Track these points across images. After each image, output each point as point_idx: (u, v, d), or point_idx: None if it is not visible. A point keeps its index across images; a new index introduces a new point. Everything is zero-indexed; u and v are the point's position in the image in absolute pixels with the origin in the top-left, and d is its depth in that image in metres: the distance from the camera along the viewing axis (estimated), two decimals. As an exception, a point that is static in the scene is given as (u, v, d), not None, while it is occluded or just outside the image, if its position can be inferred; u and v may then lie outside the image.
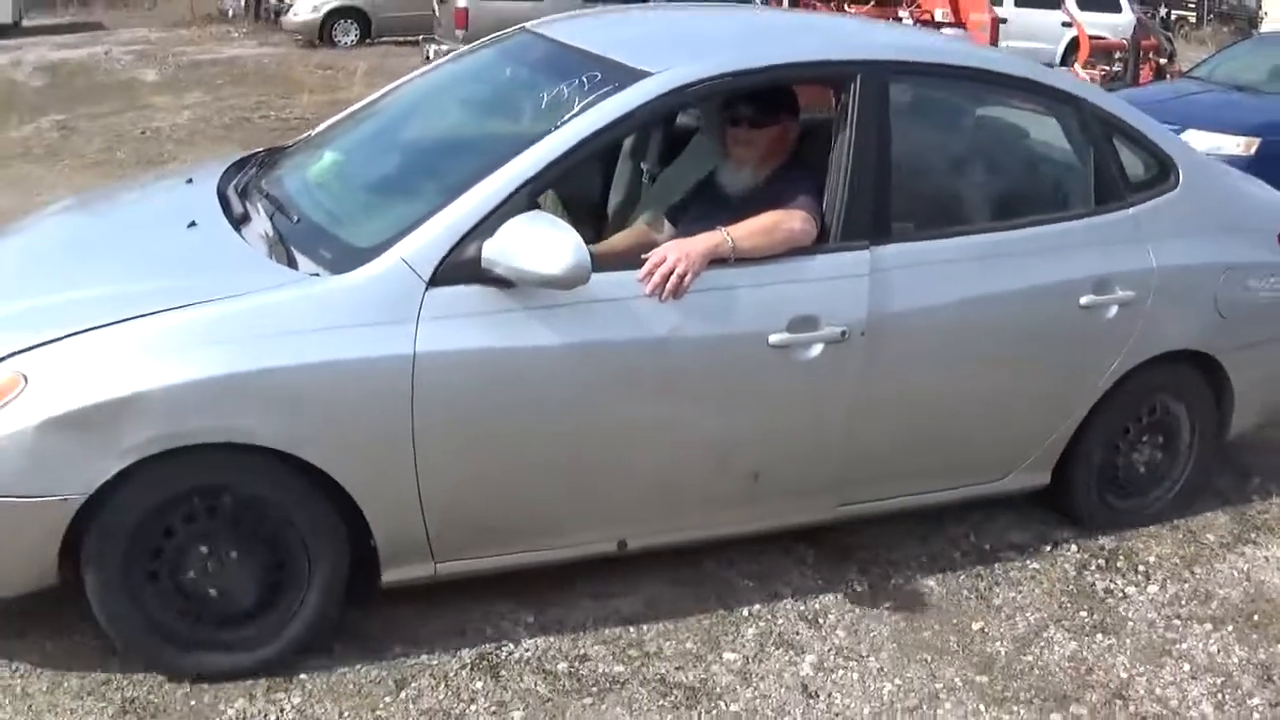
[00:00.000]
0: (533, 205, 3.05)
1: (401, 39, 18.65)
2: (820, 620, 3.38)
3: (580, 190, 3.95)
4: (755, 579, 3.54)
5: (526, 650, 3.15)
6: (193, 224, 3.24)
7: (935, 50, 3.90)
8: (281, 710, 2.89)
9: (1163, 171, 3.83)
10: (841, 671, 3.17)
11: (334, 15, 19.48)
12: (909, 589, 3.55)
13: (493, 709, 2.94)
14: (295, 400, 2.79)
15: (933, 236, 3.47)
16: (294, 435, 2.80)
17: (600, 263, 2.97)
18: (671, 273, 3.01)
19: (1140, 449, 3.98)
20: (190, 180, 3.77)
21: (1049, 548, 3.83)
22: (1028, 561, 3.75)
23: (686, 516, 3.35)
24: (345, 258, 2.95)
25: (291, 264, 2.99)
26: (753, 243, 3.15)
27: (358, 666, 3.04)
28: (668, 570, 3.48)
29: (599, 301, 2.99)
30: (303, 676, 2.99)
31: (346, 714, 2.89)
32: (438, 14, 14.52)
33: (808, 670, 3.17)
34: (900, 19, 10.82)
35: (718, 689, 3.07)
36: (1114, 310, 3.63)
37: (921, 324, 3.35)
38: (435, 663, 3.08)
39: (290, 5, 20.29)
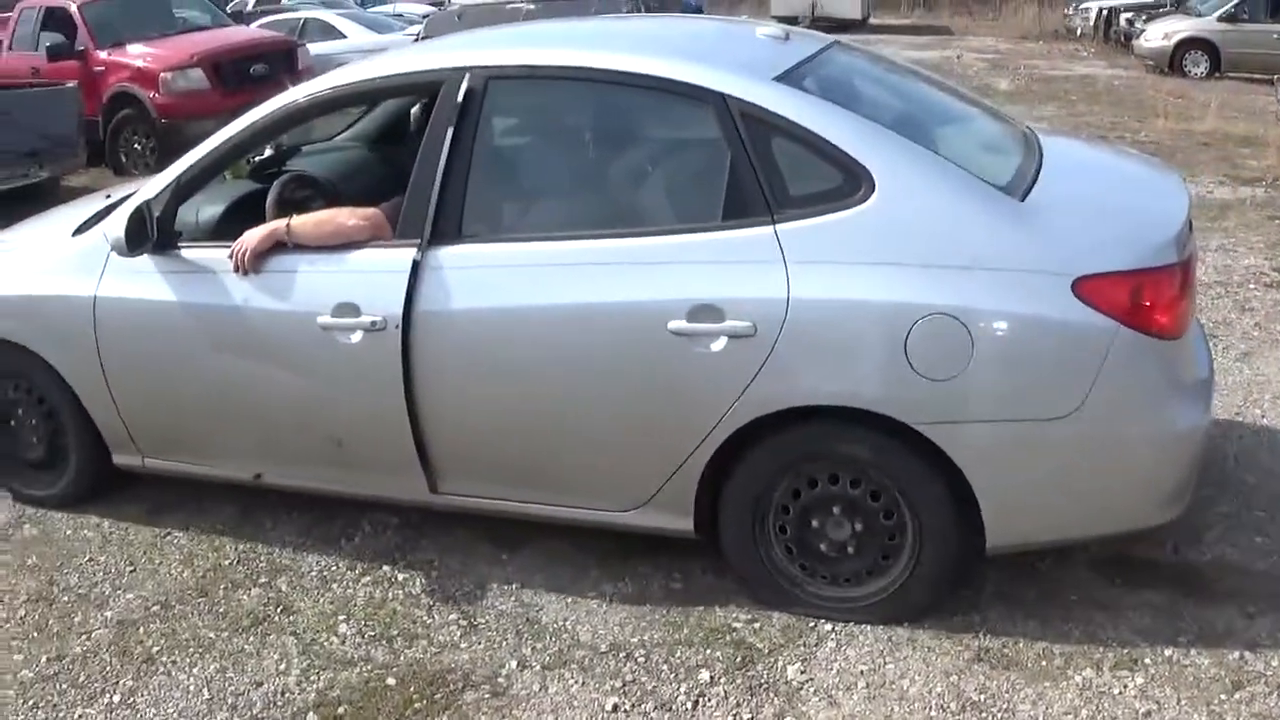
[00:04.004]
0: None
1: (1252, 76, 17.15)
2: None
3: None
4: None
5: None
6: (108, 196, 4.57)
7: (538, 53, 3.61)
8: (1125, 687, 3.11)
9: (849, 185, 3.14)
10: None
11: (1185, 45, 18.52)
12: None
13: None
14: (36, 316, 4.03)
15: (504, 241, 3.46)
16: (41, 342, 4.04)
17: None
18: (241, 250, 3.65)
19: (830, 528, 3.32)
20: None
21: None
22: None
23: (296, 466, 3.84)
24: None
25: (83, 230, 4.13)
26: (305, 231, 3.61)
27: (1199, 662, 3.20)
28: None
29: (211, 272, 3.73)
30: (1147, 662, 3.21)
31: (1184, 702, 3.05)
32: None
33: None
34: None
35: None
36: (721, 343, 3.15)
37: (468, 326, 3.39)
38: (1270, 674, 3.14)
39: (1143, 30, 19.72)
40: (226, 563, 3.92)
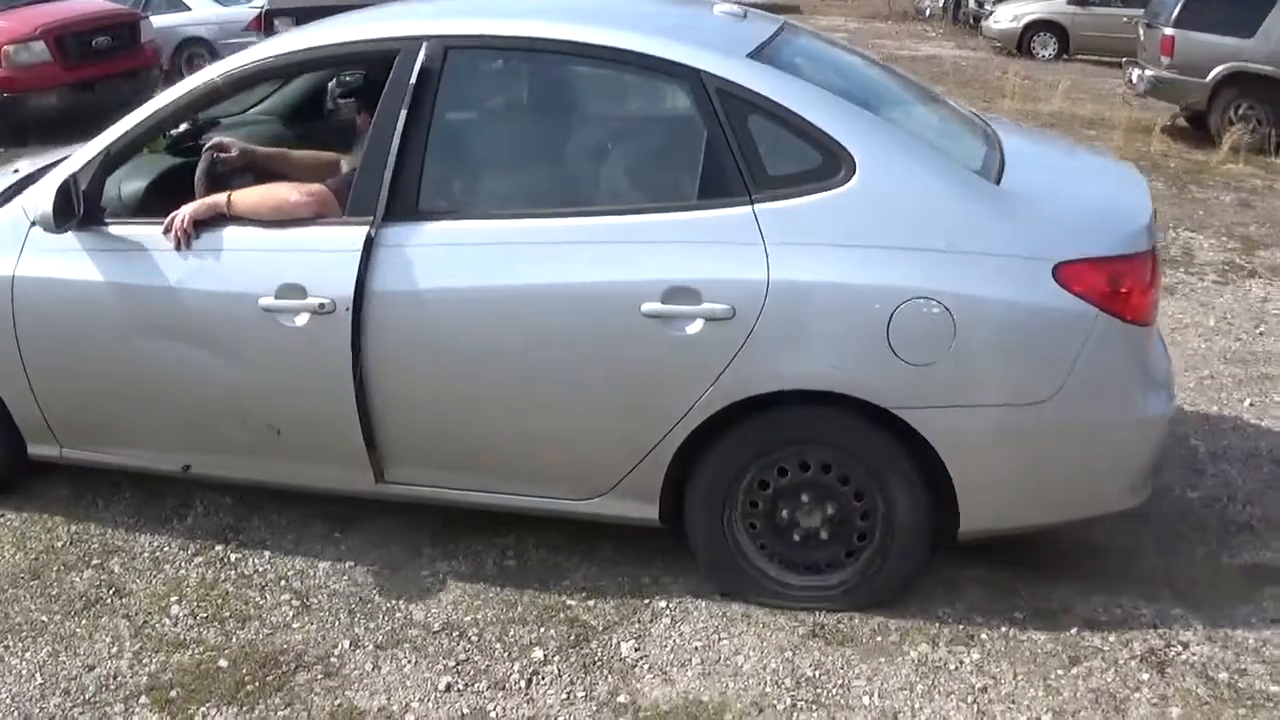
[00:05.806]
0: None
1: (1100, 59, 17.87)
2: None
3: None
4: None
5: (1193, 655, 3.19)
6: (16, 170, 4.21)
7: (502, 24, 3.41)
8: (961, 662, 3.14)
9: (829, 165, 3.08)
10: None
11: (1034, 27, 19.23)
12: None
13: (1154, 701, 3.02)
14: None
15: (466, 218, 3.29)
16: None
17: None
18: (181, 219, 3.39)
19: (801, 515, 3.27)
20: None
21: None
22: None
23: (228, 456, 3.61)
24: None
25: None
26: (245, 205, 3.39)
27: (1036, 637, 3.23)
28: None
29: (142, 249, 3.46)
30: (984, 637, 3.23)
31: (1020, 677, 3.08)
32: (1143, 38, 13.90)
33: None
34: None
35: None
36: (698, 325, 3.06)
37: (426, 307, 3.22)
38: (1106, 649, 3.19)
39: (991, 12, 20.40)
40: (59, 544, 3.77)
